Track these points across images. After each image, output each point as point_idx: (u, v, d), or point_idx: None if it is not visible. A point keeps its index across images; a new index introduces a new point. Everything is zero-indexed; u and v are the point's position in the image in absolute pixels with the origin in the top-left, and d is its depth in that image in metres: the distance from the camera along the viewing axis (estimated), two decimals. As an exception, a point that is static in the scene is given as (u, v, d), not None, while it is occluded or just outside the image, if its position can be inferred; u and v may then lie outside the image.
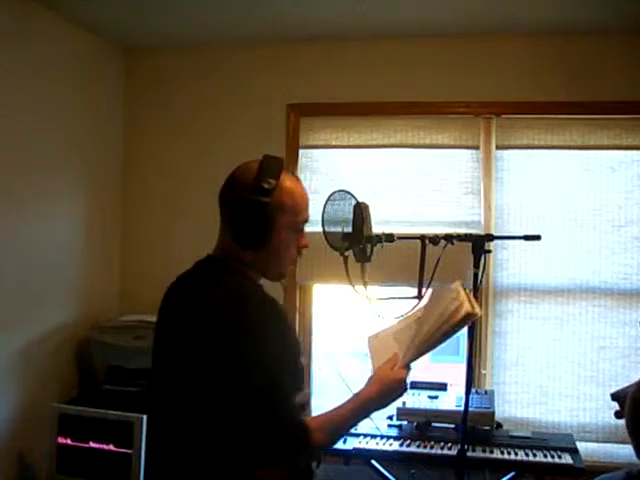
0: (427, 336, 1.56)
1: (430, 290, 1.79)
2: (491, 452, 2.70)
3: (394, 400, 1.58)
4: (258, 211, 1.44)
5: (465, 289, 1.59)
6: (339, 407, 1.51)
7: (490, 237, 2.23)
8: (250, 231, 1.45)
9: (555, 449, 2.73)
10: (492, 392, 2.99)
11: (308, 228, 1.62)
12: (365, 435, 2.83)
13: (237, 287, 1.47)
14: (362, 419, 1.56)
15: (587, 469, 2.63)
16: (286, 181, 1.49)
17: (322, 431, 1.44)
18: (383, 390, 1.55)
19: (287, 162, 3.54)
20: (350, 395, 1.56)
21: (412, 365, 1.60)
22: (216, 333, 1.39)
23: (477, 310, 1.53)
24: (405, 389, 1.57)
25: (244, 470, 1.40)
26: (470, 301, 1.53)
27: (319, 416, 1.49)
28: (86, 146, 3.32)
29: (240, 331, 1.38)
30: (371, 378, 1.58)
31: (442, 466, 2.63)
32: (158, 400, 1.55)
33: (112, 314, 3.43)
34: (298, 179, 1.57)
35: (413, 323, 1.67)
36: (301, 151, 3.42)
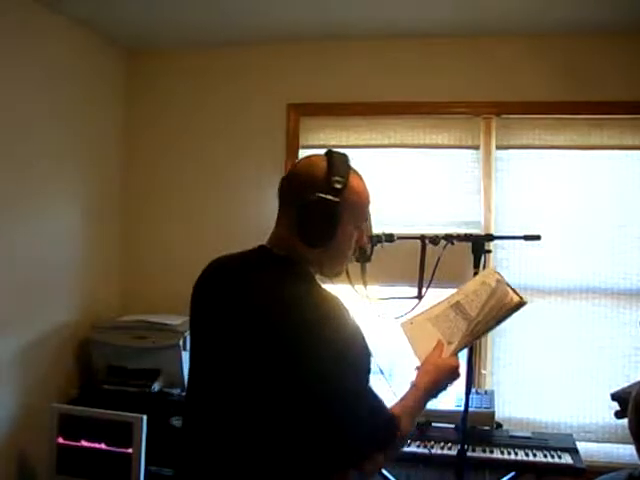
0: (482, 323, 1.61)
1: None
2: (491, 452, 2.70)
3: (449, 387, 1.60)
4: (329, 211, 1.41)
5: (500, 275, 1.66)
6: (404, 399, 1.51)
7: (490, 237, 2.23)
8: (318, 230, 1.42)
9: (555, 449, 2.73)
10: (492, 392, 2.99)
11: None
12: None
13: (308, 282, 1.44)
14: (423, 410, 1.56)
15: (587, 469, 2.64)
16: (353, 180, 1.47)
17: (405, 420, 1.45)
18: (438, 378, 1.56)
19: (287, 162, 3.57)
20: (407, 387, 1.56)
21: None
22: (295, 333, 1.33)
23: (524, 299, 1.61)
24: (459, 375, 1.59)
25: (324, 474, 1.37)
26: (513, 290, 1.62)
27: (396, 407, 1.48)
28: (87, 146, 3.32)
29: (327, 330, 1.34)
30: (422, 366, 1.59)
31: (442, 466, 2.63)
32: (207, 403, 1.44)
33: (112, 314, 3.43)
34: (361, 176, 1.55)
35: (450, 309, 1.68)
36: (301, 151, 3.42)
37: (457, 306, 1.68)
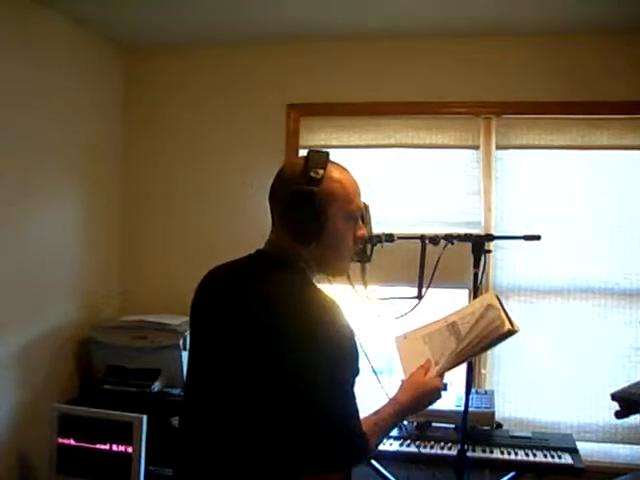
0: (468, 347, 1.58)
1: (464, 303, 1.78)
2: (491, 452, 2.70)
3: (428, 406, 1.58)
4: (309, 201, 1.40)
5: (501, 302, 1.61)
6: (379, 412, 1.49)
7: (490, 237, 2.23)
8: (305, 223, 1.41)
9: (555, 449, 2.73)
10: (492, 392, 2.99)
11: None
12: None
13: (299, 282, 1.43)
14: (398, 424, 1.55)
15: (587, 469, 2.64)
16: (333, 171, 1.47)
17: (373, 437, 1.43)
18: (419, 397, 1.55)
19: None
20: (385, 400, 1.54)
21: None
22: (281, 333, 1.34)
23: (516, 327, 1.56)
24: (440, 397, 1.58)
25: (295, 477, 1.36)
26: (508, 316, 1.56)
27: (366, 422, 1.44)
28: (86, 146, 3.32)
29: (311, 330, 1.33)
30: (405, 383, 1.58)
31: (442, 466, 2.63)
32: (201, 404, 1.46)
33: (112, 314, 3.43)
34: (345, 168, 1.55)
35: (445, 329, 1.66)
36: (301, 151, 3.43)
37: (452, 326, 1.66)
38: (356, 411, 1.38)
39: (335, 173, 1.47)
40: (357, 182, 1.52)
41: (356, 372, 1.39)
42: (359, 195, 1.51)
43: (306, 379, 1.31)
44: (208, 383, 1.45)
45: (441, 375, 1.59)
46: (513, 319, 1.57)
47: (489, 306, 1.61)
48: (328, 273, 1.54)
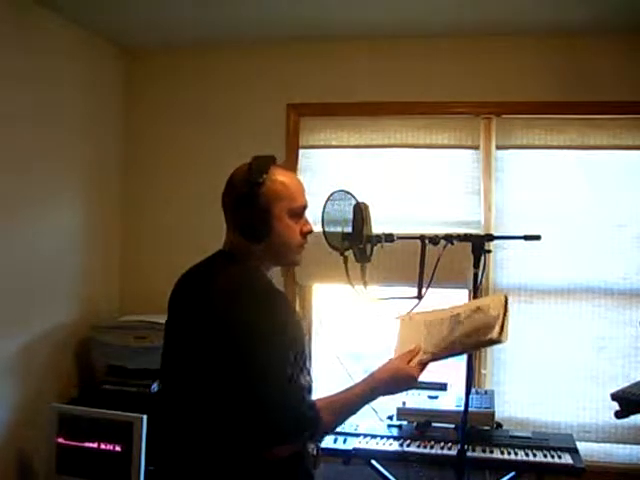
0: (454, 344, 1.60)
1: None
2: (491, 452, 2.70)
3: (400, 392, 1.66)
4: (254, 203, 1.53)
5: (507, 308, 1.60)
6: (348, 389, 1.58)
7: (490, 237, 2.23)
8: (252, 223, 1.54)
9: (555, 449, 2.73)
10: (492, 392, 2.99)
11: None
12: (365, 435, 2.83)
13: (241, 273, 1.55)
14: (368, 403, 1.60)
15: (587, 469, 2.64)
16: (276, 173, 1.59)
17: (330, 411, 1.52)
18: (393, 381, 1.60)
19: (287, 162, 3.57)
20: (360, 378, 1.61)
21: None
22: (223, 320, 1.46)
23: (503, 338, 1.54)
24: (414, 387, 1.65)
25: (255, 454, 1.46)
26: (503, 325, 1.56)
27: (327, 397, 1.55)
28: (86, 147, 3.32)
29: (246, 316, 1.45)
30: (387, 363, 1.63)
31: (442, 466, 2.63)
32: (170, 395, 1.61)
33: (112, 314, 3.43)
34: (288, 170, 1.66)
35: (448, 320, 1.67)
36: (301, 151, 3.43)
37: (456, 318, 1.66)
38: (298, 390, 1.48)
39: (278, 175, 1.58)
40: (300, 182, 1.64)
41: (297, 354, 1.49)
42: (303, 194, 1.62)
43: (244, 365, 1.42)
44: (173, 377, 1.61)
45: (423, 365, 1.61)
46: (507, 329, 1.56)
47: (492, 308, 1.61)
48: (284, 264, 1.69)
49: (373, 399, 1.60)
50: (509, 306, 1.61)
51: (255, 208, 1.53)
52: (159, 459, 1.66)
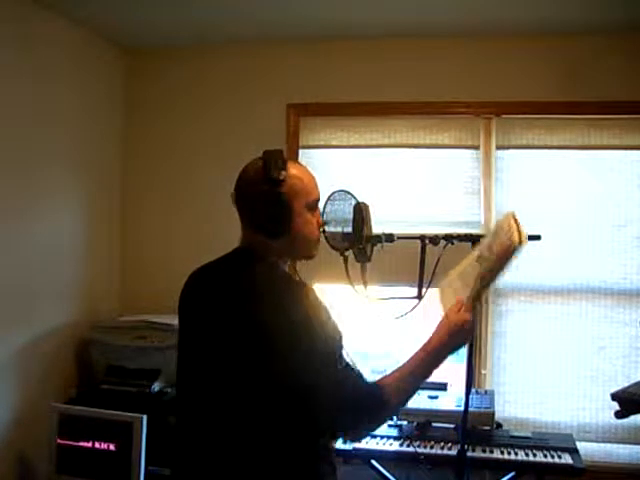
0: (488, 269, 1.61)
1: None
2: (491, 452, 2.70)
3: (463, 343, 1.62)
4: (277, 201, 1.52)
5: (516, 219, 1.59)
6: (410, 359, 1.57)
7: (490, 237, 2.22)
8: (274, 221, 1.53)
9: (555, 449, 2.73)
10: (492, 392, 2.99)
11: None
12: (365, 435, 2.83)
13: (270, 271, 1.55)
14: (435, 367, 1.59)
15: (587, 469, 2.64)
16: (292, 169, 1.57)
17: (398, 390, 1.51)
18: (451, 333, 1.59)
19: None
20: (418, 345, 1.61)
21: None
22: (272, 317, 1.44)
23: (523, 240, 1.54)
24: (472, 330, 1.63)
25: (311, 447, 1.46)
26: (519, 230, 1.55)
27: (388, 375, 1.55)
28: (86, 146, 3.32)
29: (295, 314, 1.44)
30: (438, 324, 1.63)
31: (442, 466, 2.63)
32: (197, 397, 1.53)
33: (112, 314, 3.43)
34: (300, 164, 1.67)
35: (475, 261, 1.69)
36: (301, 151, 3.42)
37: (479, 257, 1.68)
38: (350, 376, 1.48)
39: (293, 170, 1.57)
40: (313, 174, 1.63)
41: (339, 342, 1.49)
42: (317, 186, 1.63)
43: (290, 359, 1.41)
44: (200, 380, 1.52)
45: (470, 307, 1.62)
46: (524, 232, 1.55)
47: (501, 227, 1.63)
48: (299, 259, 1.70)
49: (440, 361, 1.59)
50: (518, 216, 1.59)
51: (277, 205, 1.52)
52: (180, 462, 1.57)
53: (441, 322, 1.63)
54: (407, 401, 1.58)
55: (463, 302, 1.63)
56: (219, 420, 1.48)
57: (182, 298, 1.64)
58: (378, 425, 1.57)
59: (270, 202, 1.52)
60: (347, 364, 1.50)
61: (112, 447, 2.74)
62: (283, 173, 1.53)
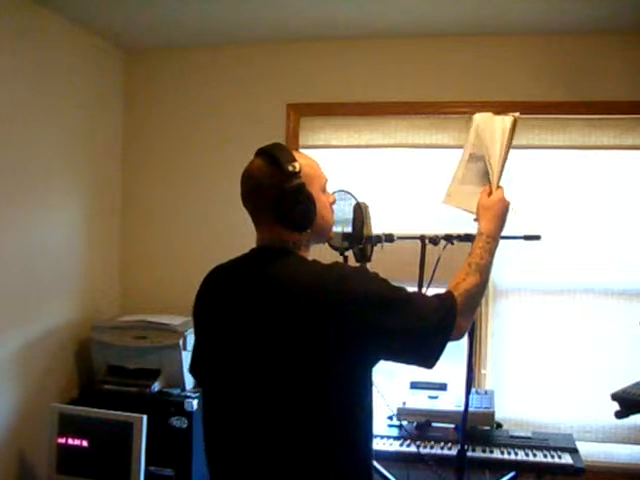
0: (501, 152, 1.81)
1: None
2: (491, 452, 2.70)
3: (507, 217, 1.77)
4: (300, 193, 1.52)
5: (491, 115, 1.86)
6: (470, 253, 1.66)
7: (490, 237, 2.22)
8: (303, 213, 1.53)
9: (555, 449, 2.73)
10: (492, 392, 2.99)
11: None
12: (365, 435, 2.83)
13: (311, 261, 1.55)
14: (495, 250, 1.69)
15: (587, 469, 2.64)
16: (300, 158, 1.58)
17: (467, 281, 1.59)
18: (495, 213, 1.74)
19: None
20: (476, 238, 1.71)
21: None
22: (350, 295, 1.44)
23: (516, 115, 1.82)
24: (509, 202, 1.79)
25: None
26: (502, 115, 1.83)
27: (459, 274, 1.62)
28: (86, 146, 3.33)
29: (360, 285, 1.47)
30: (479, 212, 1.75)
31: (442, 466, 2.63)
32: (234, 396, 1.50)
33: (112, 314, 3.43)
34: (300, 152, 1.67)
35: (469, 162, 1.85)
36: (301, 151, 3.42)
37: (471, 158, 1.85)
38: (416, 299, 1.55)
39: (302, 159, 1.57)
40: (314, 158, 1.66)
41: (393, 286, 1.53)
42: (320, 167, 1.65)
43: (389, 320, 1.45)
44: (232, 379, 1.49)
45: (497, 184, 1.79)
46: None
47: (485, 122, 1.85)
48: (320, 242, 1.70)
49: (497, 244, 1.70)
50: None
51: (302, 197, 1.52)
52: (219, 461, 1.55)
53: (481, 211, 1.74)
54: (485, 284, 1.64)
55: (488, 189, 1.79)
56: (267, 418, 1.45)
57: (202, 298, 1.60)
58: (471, 315, 1.60)
59: (294, 196, 1.51)
60: (411, 297, 1.55)
61: (112, 447, 2.73)
62: (296, 164, 1.52)
